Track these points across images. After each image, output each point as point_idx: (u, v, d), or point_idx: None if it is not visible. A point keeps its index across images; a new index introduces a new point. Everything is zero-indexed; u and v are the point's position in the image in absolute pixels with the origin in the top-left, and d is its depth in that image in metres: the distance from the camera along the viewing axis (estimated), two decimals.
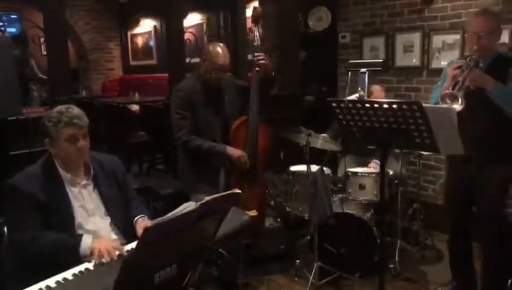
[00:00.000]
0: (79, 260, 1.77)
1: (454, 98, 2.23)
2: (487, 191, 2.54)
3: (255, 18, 2.99)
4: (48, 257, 1.78)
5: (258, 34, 2.97)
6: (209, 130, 2.86)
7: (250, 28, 3.05)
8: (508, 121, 2.37)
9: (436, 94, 2.53)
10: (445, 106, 2.23)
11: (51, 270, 1.65)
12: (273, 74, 3.03)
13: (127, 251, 1.84)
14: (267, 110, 3.03)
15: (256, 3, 4.99)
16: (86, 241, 1.82)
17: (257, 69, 2.89)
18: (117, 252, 1.78)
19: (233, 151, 2.83)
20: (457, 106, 2.21)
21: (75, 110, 1.97)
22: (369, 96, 3.47)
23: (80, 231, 1.93)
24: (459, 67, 2.36)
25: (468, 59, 2.39)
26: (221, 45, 2.84)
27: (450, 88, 2.28)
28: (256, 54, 2.91)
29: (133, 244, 1.88)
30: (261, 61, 2.88)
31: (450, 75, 2.38)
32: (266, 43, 4.51)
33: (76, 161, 1.99)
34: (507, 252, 2.70)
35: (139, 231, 1.97)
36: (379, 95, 3.61)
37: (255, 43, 2.97)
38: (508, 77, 2.37)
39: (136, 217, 2.09)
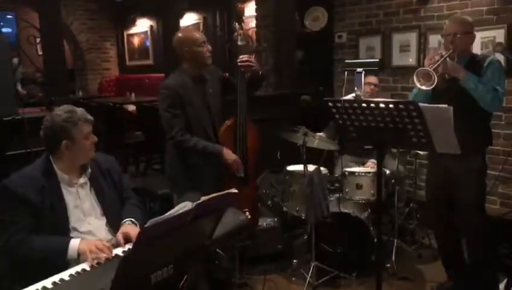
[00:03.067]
0: (67, 264, 1.76)
1: (427, 77, 2.38)
2: (463, 181, 2.62)
3: (238, 16, 2.94)
4: (36, 260, 1.77)
5: (241, 32, 2.86)
6: (200, 126, 2.74)
7: (234, 28, 2.93)
8: (479, 113, 2.53)
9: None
10: (418, 85, 2.40)
11: (43, 272, 1.64)
12: (260, 72, 2.90)
13: (124, 251, 1.84)
14: (264, 110, 3.02)
15: (252, 3, 4.99)
16: (74, 244, 1.80)
17: (242, 70, 2.80)
18: (111, 252, 1.76)
19: (230, 155, 2.73)
20: (427, 87, 2.38)
21: (79, 108, 2.01)
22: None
23: (75, 232, 1.92)
24: (438, 53, 2.55)
25: (445, 52, 2.56)
26: (184, 28, 2.78)
27: (427, 67, 2.44)
28: (240, 56, 2.79)
29: (122, 248, 1.87)
30: (244, 63, 2.77)
31: (428, 57, 2.56)
32: (251, 42, 4.48)
33: (89, 157, 2.02)
34: (492, 248, 2.76)
35: (119, 236, 1.93)
36: (370, 82, 3.65)
37: (238, 43, 2.86)
38: (481, 74, 2.53)
39: (124, 220, 2.04)
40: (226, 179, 2.76)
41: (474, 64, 2.57)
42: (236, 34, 2.88)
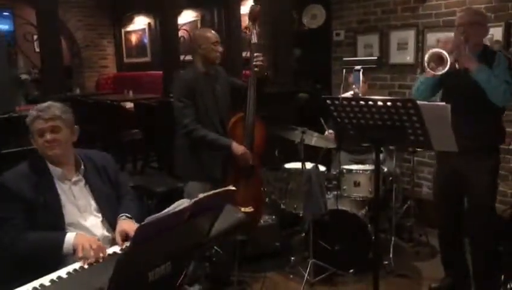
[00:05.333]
0: (63, 259, 1.75)
1: (441, 60, 2.33)
2: (475, 180, 2.57)
3: (253, 16, 3.01)
4: (31, 257, 1.76)
5: (255, 32, 2.99)
6: (209, 119, 2.87)
7: (247, 27, 3.07)
8: (491, 110, 2.47)
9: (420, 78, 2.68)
10: (429, 69, 2.36)
11: (38, 269, 1.63)
12: (266, 73, 3.05)
13: (121, 249, 1.83)
14: (261, 107, 3.04)
15: (249, 1, 4.98)
16: (69, 239, 1.79)
17: (255, 69, 2.93)
18: (101, 254, 1.73)
19: (238, 148, 2.83)
20: (439, 71, 2.33)
21: (47, 104, 1.96)
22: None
23: (70, 228, 1.91)
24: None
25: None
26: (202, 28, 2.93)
27: (440, 49, 2.35)
28: (255, 55, 2.94)
29: (116, 248, 1.86)
30: (259, 62, 2.92)
31: (442, 43, 2.51)
32: (261, 40, 4.52)
33: (49, 155, 1.94)
34: (496, 247, 2.74)
35: (118, 237, 1.91)
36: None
37: (252, 41, 2.99)
38: (493, 67, 2.46)
39: (120, 215, 2.02)
40: (233, 172, 2.91)
41: (486, 57, 2.50)
42: (250, 33, 3.03)
